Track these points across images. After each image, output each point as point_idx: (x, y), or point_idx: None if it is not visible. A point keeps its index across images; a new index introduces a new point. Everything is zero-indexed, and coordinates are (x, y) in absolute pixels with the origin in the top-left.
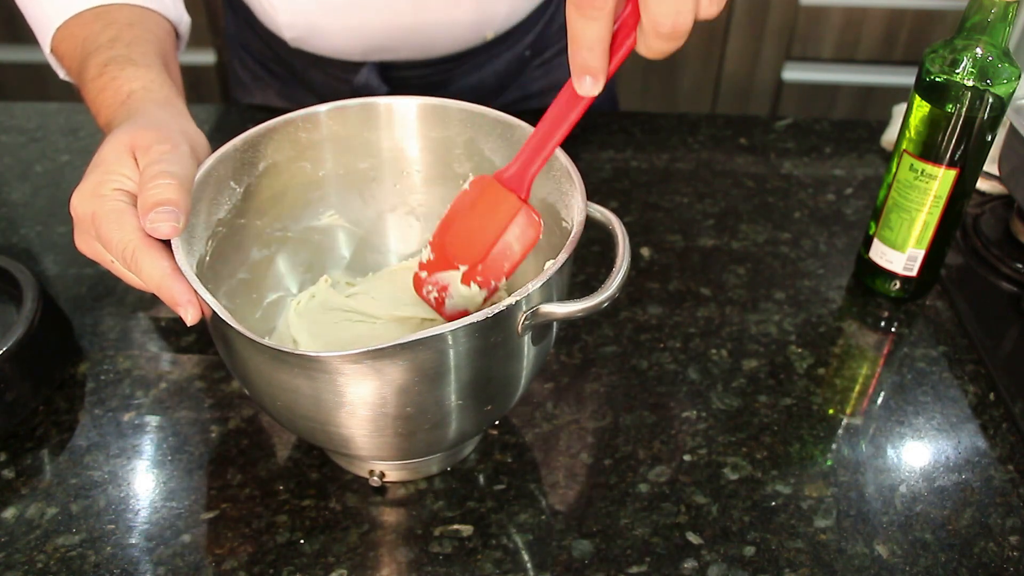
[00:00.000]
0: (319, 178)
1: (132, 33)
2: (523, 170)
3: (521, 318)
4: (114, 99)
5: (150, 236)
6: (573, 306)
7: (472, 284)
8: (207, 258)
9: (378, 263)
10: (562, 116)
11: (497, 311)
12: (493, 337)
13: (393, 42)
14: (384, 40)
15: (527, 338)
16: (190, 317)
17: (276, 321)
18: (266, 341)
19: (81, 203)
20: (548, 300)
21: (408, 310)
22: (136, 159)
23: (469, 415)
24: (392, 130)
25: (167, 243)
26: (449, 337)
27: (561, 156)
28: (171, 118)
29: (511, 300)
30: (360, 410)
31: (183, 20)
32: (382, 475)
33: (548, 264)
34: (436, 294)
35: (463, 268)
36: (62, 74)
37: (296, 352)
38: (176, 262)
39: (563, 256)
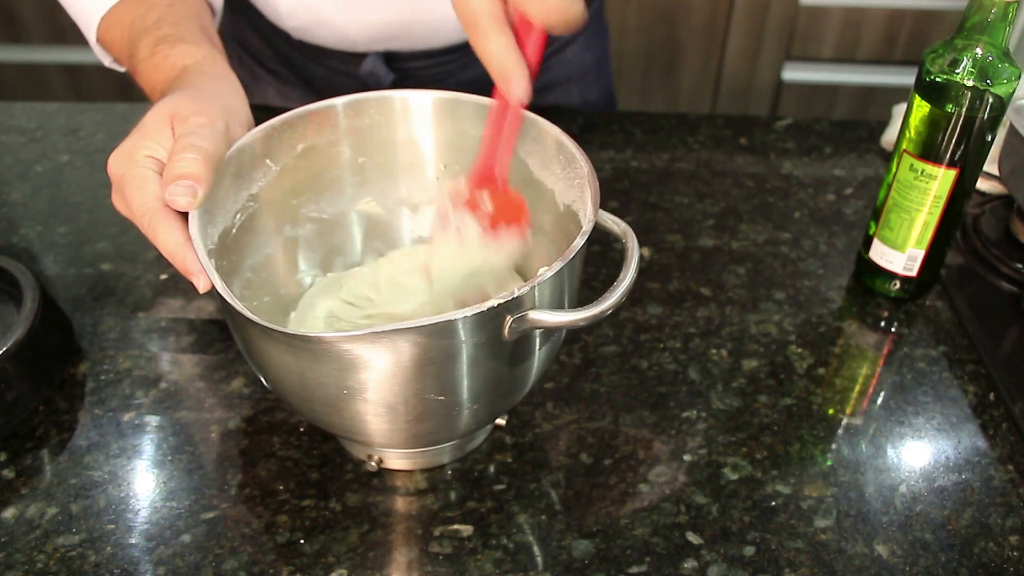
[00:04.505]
0: (359, 164)
1: (176, 12)
2: (489, 169)
3: (508, 322)
4: (168, 75)
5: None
6: (564, 316)
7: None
8: (233, 231)
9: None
10: (499, 124)
11: (476, 312)
12: (476, 338)
13: (396, 31)
14: (387, 29)
15: (523, 343)
16: (202, 286)
17: (303, 297)
18: (254, 317)
19: (115, 164)
20: (541, 306)
21: (409, 301)
22: (173, 129)
23: (454, 412)
24: (433, 123)
25: (187, 212)
26: (427, 332)
27: (584, 164)
28: (219, 92)
29: (493, 302)
30: (341, 392)
31: None
32: (380, 461)
33: (542, 270)
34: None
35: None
36: (107, 61)
37: (279, 329)
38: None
39: (558, 264)
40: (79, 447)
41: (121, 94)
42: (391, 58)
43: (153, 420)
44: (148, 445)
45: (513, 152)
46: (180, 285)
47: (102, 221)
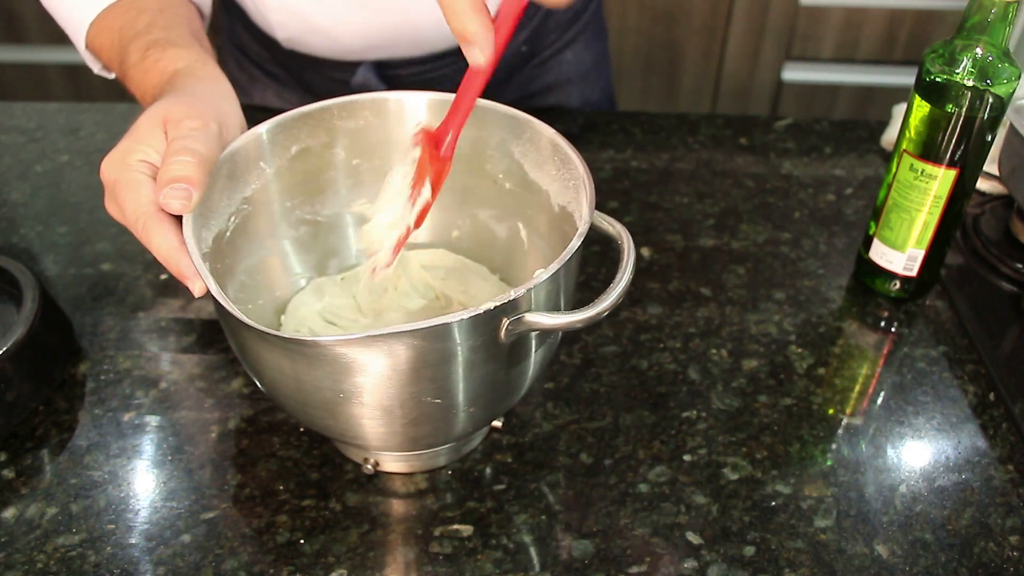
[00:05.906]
0: (353, 166)
1: (166, 17)
2: (442, 129)
3: (504, 324)
4: (159, 79)
5: (164, 209)
6: (560, 318)
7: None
8: (228, 234)
9: (403, 255)
10: (464, 90)
11: (472, 314)
12: (472, 340)
13: (386, 39)
14: (377, 37)
15: (520, 345)
16: (196, 290)
17: (291, 301)
18: (249, 320)
19: (108, 168)
20: (538, 309)
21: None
22: (166, 132)
23: (451, 415)
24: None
25: (180, 216)
26: (423, 335)
27: (580, 166)
28: (211, 96)
29: (489, 305)
30: (336, 395)
31: (205, 1)
32: (376, 465)
33: (537, 272)
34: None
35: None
36: (97, 68)
37: (275, 333)
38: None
39: (555, 265)
40: (79, 447)
41: (121, 94)
42: (382, 67)
43: (153, 420)
44: (148, 445)
45: (463, 118)
46: (180, 285)
47: (102, 221)
